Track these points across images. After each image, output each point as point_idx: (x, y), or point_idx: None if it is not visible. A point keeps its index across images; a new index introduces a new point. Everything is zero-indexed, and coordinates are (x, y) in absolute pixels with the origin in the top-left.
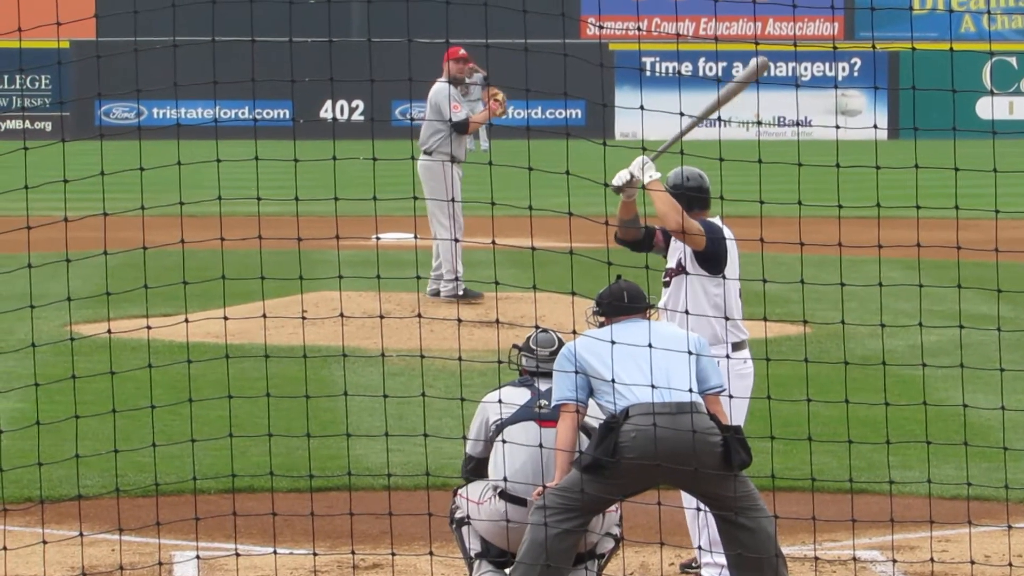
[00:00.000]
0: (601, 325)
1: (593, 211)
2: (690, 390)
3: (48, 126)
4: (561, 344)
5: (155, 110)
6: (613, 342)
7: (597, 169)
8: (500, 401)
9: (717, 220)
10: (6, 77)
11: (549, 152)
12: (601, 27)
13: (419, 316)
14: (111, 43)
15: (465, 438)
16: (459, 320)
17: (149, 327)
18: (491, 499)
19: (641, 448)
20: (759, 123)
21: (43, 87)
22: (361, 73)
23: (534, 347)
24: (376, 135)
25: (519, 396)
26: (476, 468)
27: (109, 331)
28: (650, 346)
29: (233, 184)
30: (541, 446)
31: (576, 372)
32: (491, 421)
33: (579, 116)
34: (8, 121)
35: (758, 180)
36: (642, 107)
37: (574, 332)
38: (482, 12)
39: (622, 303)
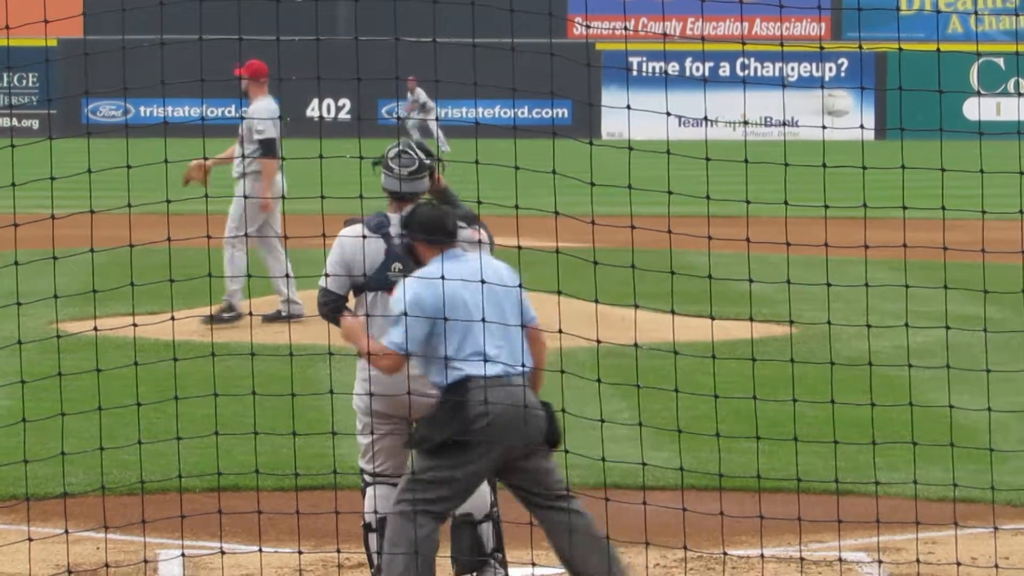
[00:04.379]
0: (409, 248)
1: (580, 211)
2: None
3: (35, 124)
4: (423, 165)
5: (142, 108)
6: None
7: (584, 169)
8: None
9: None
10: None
11: (536, 151)
12: (588, 26)
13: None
14: (98, 41)
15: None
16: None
17: (135, 324)
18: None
19: (489, 427)
20: (745, 123)
21: (30, 85)
22: (347, 72)
23: (393, 167)
24: (363, 133)
25: (373, 248)
26: (336, 308)
27: (95, 329)
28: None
29: (220, 182)
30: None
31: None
32: (352, 267)
33: (566, 116)
34: None
35: (744, 180)
36: (628, 107)
37: (560, 331)
38: (468, 10)
39: (445, 231)
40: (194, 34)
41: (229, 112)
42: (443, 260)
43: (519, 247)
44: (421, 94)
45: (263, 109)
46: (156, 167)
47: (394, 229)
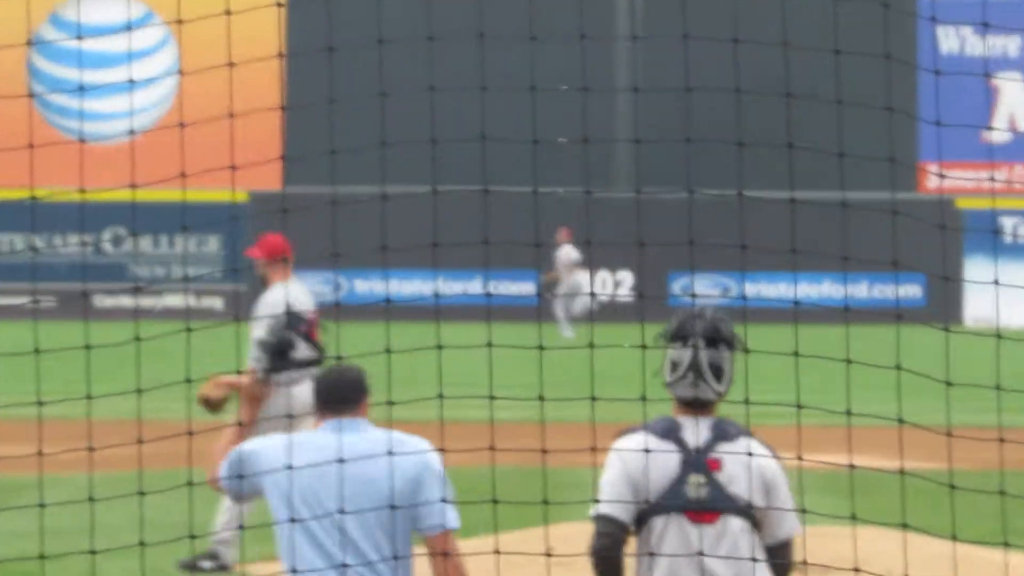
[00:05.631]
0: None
1: (932, 419)
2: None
3: (218, 303)
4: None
5: (358, 283)
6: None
7: (938, 364)
8: (647, 450)
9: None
10: (165, 238)
11: (874, 341)
12: (944, 177)
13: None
14: (301, 195)
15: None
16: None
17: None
18: None
19: None
20: None
21: (213, 252)
22: (628, 235)
23: (679, 359)
24: (648, 316)
25: (662, 459)
26: (617, 542)
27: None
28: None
29: (457, 380)
30: (701, 552)
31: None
32: (639, 487)
33: (917, 295)
34: (167, 296)
35: None
36: (997, 282)
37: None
38: (783, 157)
39: (331, 396)
40: (424, 184)
41: (473, 288)
42: (324, 430)
43: (851, 466)
44: (570, 255)
45: (266, 303)
46: (377, 359)
47: (690, 435)
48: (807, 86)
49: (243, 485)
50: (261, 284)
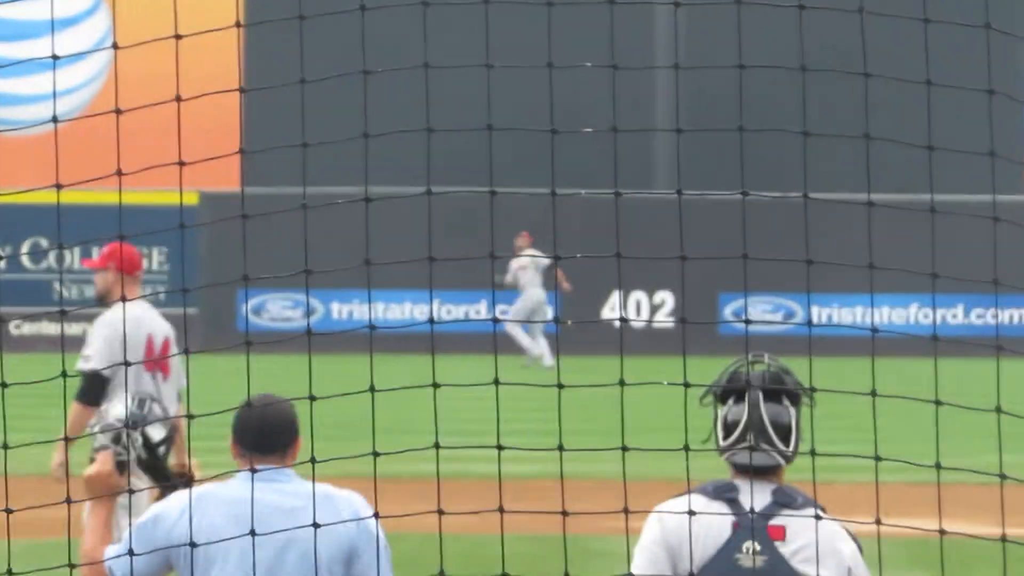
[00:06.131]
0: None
1: None
2: None
3: None
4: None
5: (335, 306)
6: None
7: None
8: (690, 512)
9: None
10: (96, 251)
11: (971, 377)
12: None
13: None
14: (264, 196)
15: None
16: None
17: None
18: None
19: None
20: None
21: (156, 268)
22: (669, 247)
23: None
24: (690, 348)
25: (712, 522)
26: None
27: None
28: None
29: (459, 428)
30: None
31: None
32: (679, 552)
33: (1022, 320)
34: None
35: None
36: None
37: None
38: (859, 149)
39: (256, 436)
40: (419, 185)
41: (476, 312)
42: (241, 481)
43: (941, 532)
44: (528, 265)
45: (105, 322)
46: (359, 400)
47: (746, 498)
48: (889, 64)
49: (148, 564)
50: (98, 301)
